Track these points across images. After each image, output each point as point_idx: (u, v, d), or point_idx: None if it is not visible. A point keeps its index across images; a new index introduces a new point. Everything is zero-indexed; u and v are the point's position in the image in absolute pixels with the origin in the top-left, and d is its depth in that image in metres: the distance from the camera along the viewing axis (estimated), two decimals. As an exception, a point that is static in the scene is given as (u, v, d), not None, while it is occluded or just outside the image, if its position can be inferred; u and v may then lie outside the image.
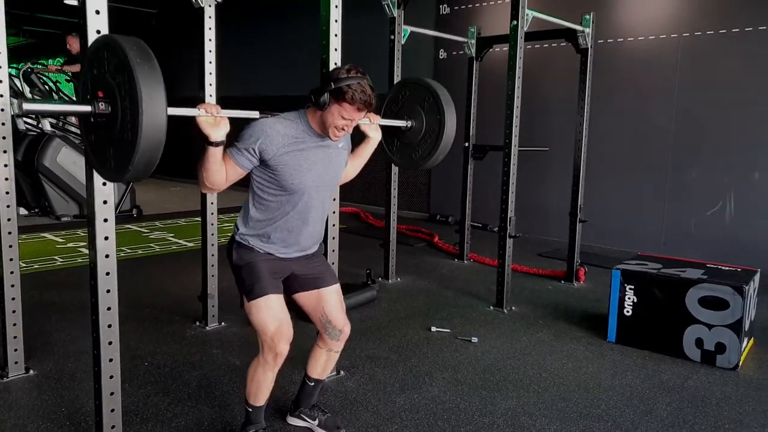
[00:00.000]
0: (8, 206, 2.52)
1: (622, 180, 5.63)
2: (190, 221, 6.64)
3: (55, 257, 4.82)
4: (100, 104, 1.53)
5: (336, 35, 2.54)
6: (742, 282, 2.94)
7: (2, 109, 2.48)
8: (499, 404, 2.52)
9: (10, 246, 2.54)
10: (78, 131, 7.31)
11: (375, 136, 2.25)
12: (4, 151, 2.51)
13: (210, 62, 3.10)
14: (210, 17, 3.08)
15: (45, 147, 6.21)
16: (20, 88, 7.01)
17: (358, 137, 2.16)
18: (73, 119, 7.41)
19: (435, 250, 5.52)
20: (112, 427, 1.99)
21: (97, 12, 1.77)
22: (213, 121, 1.75)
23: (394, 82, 4.28)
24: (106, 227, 1.88)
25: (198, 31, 3.09)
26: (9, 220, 2.53)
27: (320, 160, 1.97)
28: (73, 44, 7.28)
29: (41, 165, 6.18)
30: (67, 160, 6.26)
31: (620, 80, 5.56)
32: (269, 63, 8.77)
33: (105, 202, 1.88)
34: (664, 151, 5.39)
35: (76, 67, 7.26)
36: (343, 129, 1.91)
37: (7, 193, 2.51)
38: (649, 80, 5.45)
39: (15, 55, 14.09)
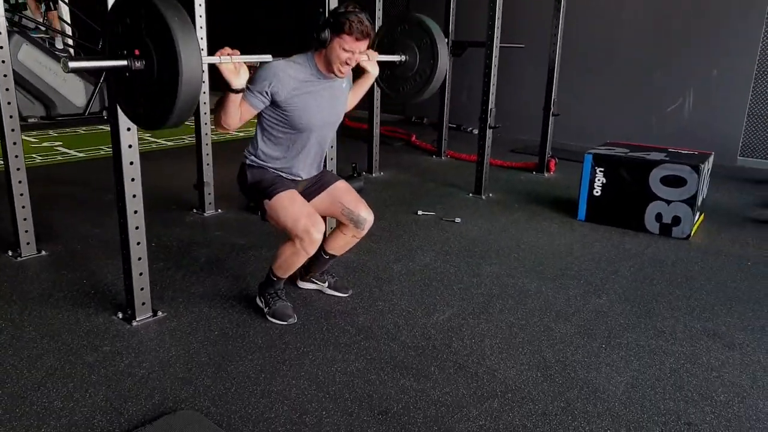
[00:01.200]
0: (9, 103, 2.52)
1: (593, 78, 5.81)
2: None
3: (33, 155, 4.77)
4: (135, 62, 1.56)
5: None
6: (698, 162, 3.25)
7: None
8: (484, 269, 2.81)
9: (15, 143, 2.58)
10: (35, 22, 6.89)
11: (373, 71, 2.32)
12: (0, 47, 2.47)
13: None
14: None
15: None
16: None
17: (356, 72, 2.25)
18: (29, 12, 6.99)
19: (413, 148, 5.69)
20: (141, 289, 2.18)
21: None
22: (234, 68, 1.83)
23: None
24: (128, 120, 1.95)
25: None
26: (11, 117, 2.54)
27: (326, 100, 2.10)
28: None
29: (0, 64, 5.89)
30: (28, 59, 5.97)
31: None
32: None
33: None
34: (632, 51, 5.56)
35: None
36: (346, 63, 2.00)
37: (7, 89, 2.50)
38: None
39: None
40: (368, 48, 2.10)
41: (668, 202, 3.29)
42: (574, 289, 2.61)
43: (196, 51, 1.49)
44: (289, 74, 2.00)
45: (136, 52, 1.56)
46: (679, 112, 5.42)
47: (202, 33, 3.13)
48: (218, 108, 1.95)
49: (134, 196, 2.08)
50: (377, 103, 4.62)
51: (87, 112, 6.46)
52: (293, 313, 2.24)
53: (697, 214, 3.38)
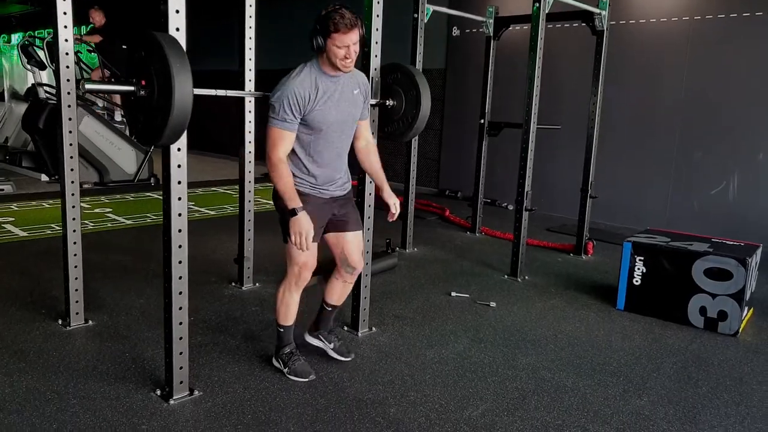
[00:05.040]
0: (71, 169, 2.71)
1: (630, 159, 5.82)
2: (206, 191, 6.83)
3: (86, 221, 5.01)
4: (141, 90, 1.90)
5: (378, 16, 2.70)
6: (745, 255, 3.17)
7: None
8: (520, 360, 2.76)
9: (73, 207, 2.74)
10: (99, 102, 7.45)
11: (390, 201, 2.50)
12: (69, 119, 2.69)
13: (250, 38, 3.26)
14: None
15: (67, 115, 6.35)
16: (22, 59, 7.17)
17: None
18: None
19: (447, 223, 5.73)
20: (180, 368, 2.22)
21: (177, 11, 1.97)
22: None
23: (417, 60, 4.44)
24: (179, 189, 2.08)
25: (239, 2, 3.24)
26: (72, 182, 2.72)
27: (338, 99, 2.23)
28: (96, 17, 7.39)
29: (64, 133, 6.32)
30: (88, 129, 6.40)
31: (632, 61, 5.71)
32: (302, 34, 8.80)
33: (179, 166, 2.07)
34: (671, 131, 5.58)
35: (96, 38, 7.36)
36: (346, 57, 2.12)
37: (71, 157, 2.70)
38: (659, 62, 5.61)
39: (23, 24, 14.07)
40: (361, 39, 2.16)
41: (713, 296, 3.19)
42: (613, 387, 2.52)
43: (188, 86, 1.81)
44: (299, 92, 2.14)
45: (143, 82, 1.88)
46: (722, 196, 5.34)
47: (250, 44, 3.29)
48: (276, 183, 2.19)
49: (180, 278, 2.16)
50: (413, 176, 4.72)
51: (137, 178, 6.80)
52: (312, 370, 2.46)
53: (746, 309, 3.26)
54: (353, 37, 2.09)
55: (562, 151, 6.07)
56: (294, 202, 2.15)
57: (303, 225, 2.14)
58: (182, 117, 1.83)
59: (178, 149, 2.05)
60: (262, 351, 2.70)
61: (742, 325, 3.21)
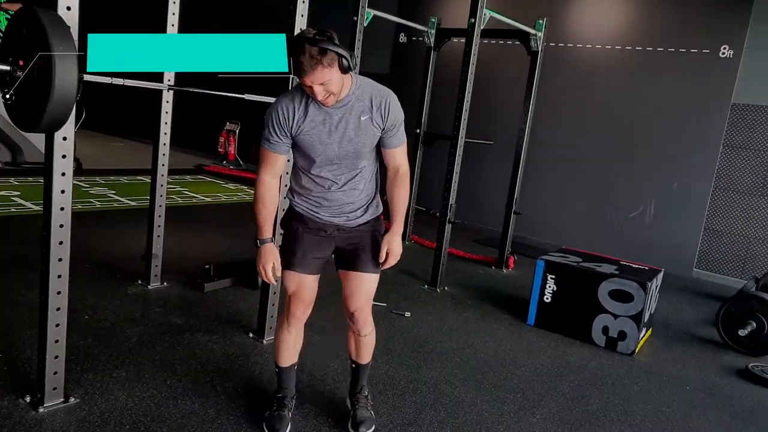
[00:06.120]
0: None
1: (557, 178, 5.99)
2: (132, 179, 6.53)
3: (-12, 205, 4.68)
4: (17, 71, 1.75)
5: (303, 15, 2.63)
6: (646, 279, 3.30)
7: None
8: (424, 373, 2.75)
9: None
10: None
11: (384, 246, 2.08)
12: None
13: (173, 25, 3.12)
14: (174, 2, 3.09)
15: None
16: None
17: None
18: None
19: (377, 228, 5.70)
20: (55, 373, 2.07)
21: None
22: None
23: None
24: (62, 181, 1.94)
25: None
26: None
27: (334, 128, 1.90)
28: None
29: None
30: None
31: (564, 83, 5.88)
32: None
33: (64, 156, 1.93)
34: (597, 153, 5.78)
35: (16, 6, 6.91)
36: (320, 95, 1.79)
37: None
38: (589, 86, 5.80)
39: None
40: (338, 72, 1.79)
41: (615, 316, 3.30)
42: (509, 404, 2.55)
43: (72, 72, 1.70)
44: (289, 106, 1.88)
45: (20, 62, 1.74)
46: (639, 220, 5.57)
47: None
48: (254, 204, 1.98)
49: (60, 259, 2.01)
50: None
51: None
52: (283, 428, 2.11)
53: (644, 330, 3.39)
54: (318, 77, 1.73)
55: (495, 166, 6.17)
56: (260, 231, 1.95)
57: (262, 256, 1.95)
58: (63, 105, 1.71)
59: (64, 138, 1.92)
60: (156, 356, 2.58)
61: (639, 345, 3.34)
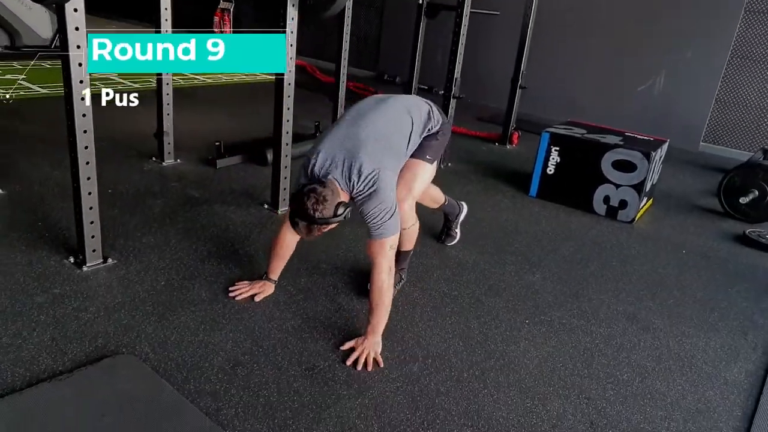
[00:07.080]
0: None
1: (565, 51, 5.84)
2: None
3: (-6, 88, 4.66)
4: None
5: None
6: (650, 149, 3.37)
7: None
8: (428, 240, 2.91)
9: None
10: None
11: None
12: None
13: None
14: None
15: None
16: None
17: None
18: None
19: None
20: (92, 237, 2.24)
21: None
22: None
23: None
24: (78, 54, 1.97)
25: None
26: None
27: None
28: None
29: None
30: (-10, -16, 5.73)
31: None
32: None
33: (77, 28, 1.94)
34: (608, 22, 5.57)
35: None
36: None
37: None
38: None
39: None
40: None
41: (617, 185, 3.42)
42: (510, 265, 2.75)
43: None
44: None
45: None
46: (648, 93, 5.51)
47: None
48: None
49: (86, 147, 2.11)
50: (344, 56, 4.56)
51: (53, 44, 6.26)
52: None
53: (644, 199, 3.52)
54: (313, 238, 1.94)
55: (500, 40, 5.99)
56: (268, 268, 2.25)
57: (257, 285, 2.23)
58: None
59: (75, 9, 1.91)
60: (179, 224, 2.74)
61: (639, 214, 3.50)
